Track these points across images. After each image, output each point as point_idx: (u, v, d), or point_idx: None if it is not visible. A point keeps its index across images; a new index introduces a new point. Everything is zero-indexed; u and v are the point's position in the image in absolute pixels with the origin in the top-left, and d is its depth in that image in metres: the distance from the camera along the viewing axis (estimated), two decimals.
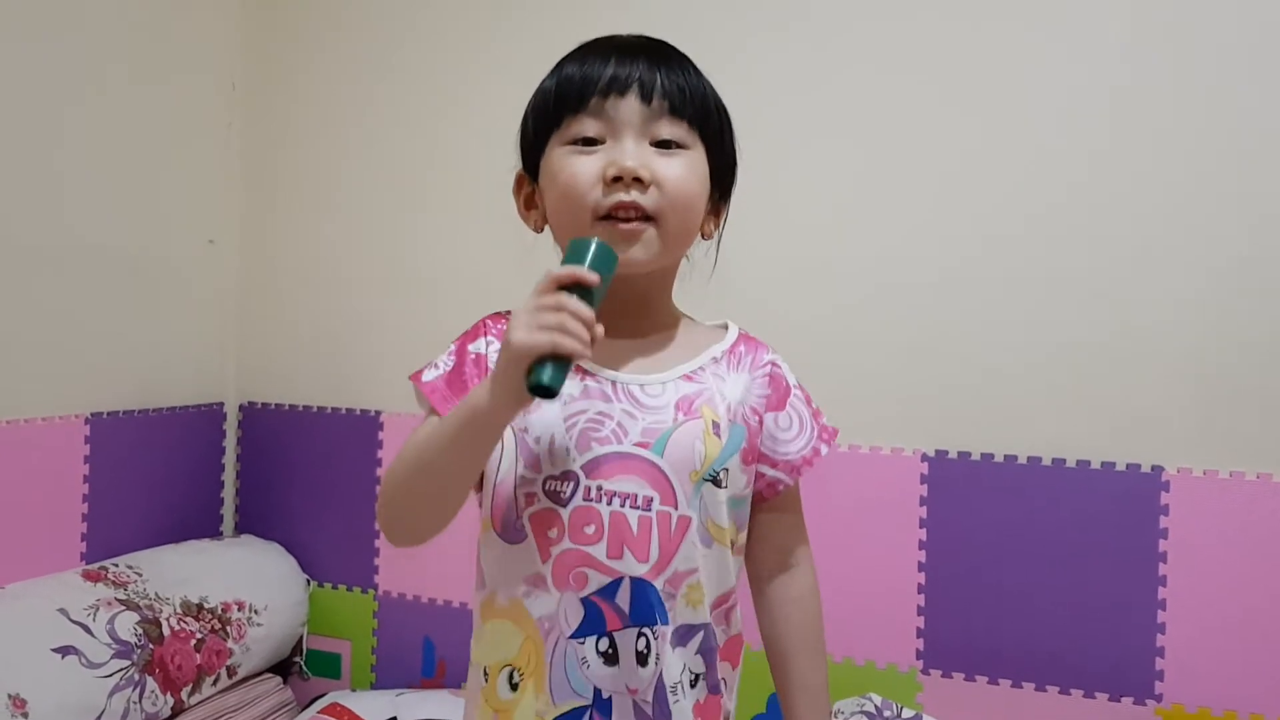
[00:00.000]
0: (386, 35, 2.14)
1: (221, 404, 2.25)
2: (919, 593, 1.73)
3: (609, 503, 0.97)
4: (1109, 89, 1.65)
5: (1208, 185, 1.60)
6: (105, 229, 1.95)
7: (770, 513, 1.10)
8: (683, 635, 1.00)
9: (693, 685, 1.01)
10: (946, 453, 1.73)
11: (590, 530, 0.97)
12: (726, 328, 1.11)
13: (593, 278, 0.88)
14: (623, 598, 0.97)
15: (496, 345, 1.01)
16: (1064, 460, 1.66)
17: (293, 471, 2.20)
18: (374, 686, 2.12)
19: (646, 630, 0.97)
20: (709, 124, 1.03)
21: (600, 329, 0.87)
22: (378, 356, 2.13)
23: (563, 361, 0.86)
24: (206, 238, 2.19)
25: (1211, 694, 1.57)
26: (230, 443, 2.26)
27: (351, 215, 2.17)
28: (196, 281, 2.17)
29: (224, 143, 2.23)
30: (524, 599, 0.99)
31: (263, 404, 2.25)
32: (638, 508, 0.97)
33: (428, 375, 1.02)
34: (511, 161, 1.10)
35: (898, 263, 1.76)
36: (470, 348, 1.03)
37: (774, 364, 1.09)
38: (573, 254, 0.91)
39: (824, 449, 1.10)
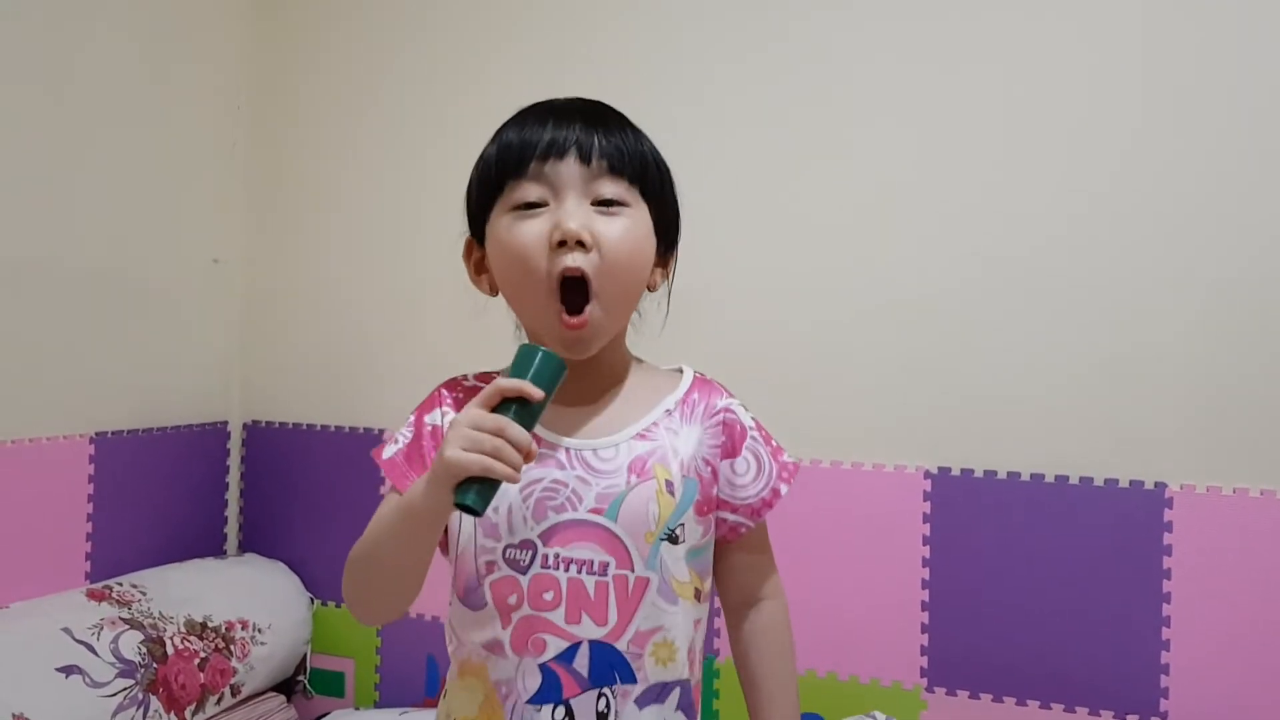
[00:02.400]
0: (392, 57, 2.15)
1: (225, 423, 2.25)
2: (923, 610, 1.73)
3: (566, 569, 0.99)
4: (1113, 110, 1.65)
5: (1211, 203, 1.60)
6: (110, 249, 1.96)
7: (737, 553, 1.12)
8: (657, 693, 1.01)
9: None
10: (949, 470, 1.73)
11: (549, 597, 0.99)
12: (681, 372, 1.12)
13: (537, 394, 0.89)
14: (581, 662, 0.99)
15: (452, 415, 1.03)
16: (1067, 477, 1.66)
17: (296, 490, 2.21)
18: (377, 705, 2.11)
19: (606, 690, 0.99)
20: (649, 180, 1.05)
21: (536, 450, 0.89)
22: (381, 376, 2.14)
23: (491, 484, 0.88)
24: (211, 257, 2.20)
25: (1216, 711, 1.57)
26: (234, 461, 2.27)
27: (355, 235, 2.18)
28: (201, 301, 2.18)
29: (229, 163, 2.24)
30: (483, 663, 1.02)
31: (266, 423, 2.25)
32: (594, 573, 0.99)
33: (387, 452, 1.05)
34: None
35: (900, 280, 1.76)
36: (426, 419, 1.06)
37: (727, 410, 1.09)
38: (520, 364, 0.92)
39: (783, 488, 1.10)
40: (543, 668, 0.99)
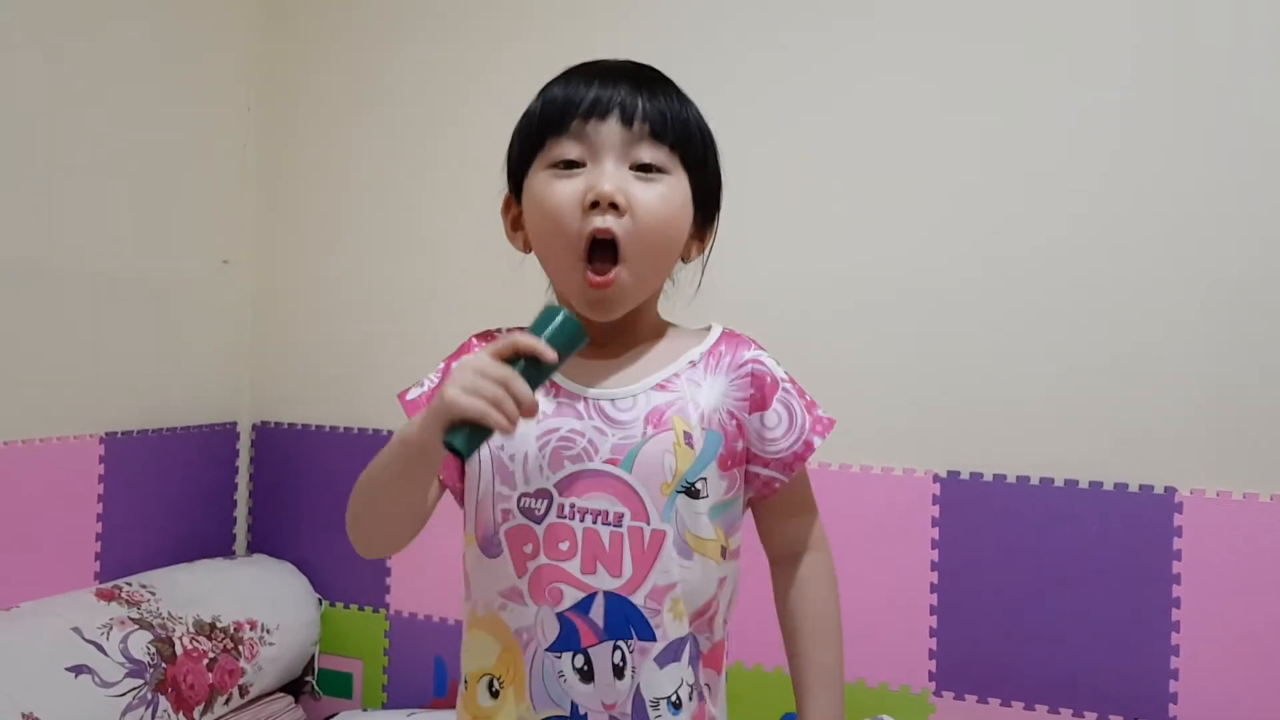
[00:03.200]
0: (401, 59, 2.16)
1: (235, 424, 2.26)
2: (931, 614, 1.73)
3: (581, 519, 0.99)
4: (1116, 108, 1.65)
5: (1220, 204, 1.60)
6: (120, 250, 1.96)
7: (776, 509, 1.10)
8: (675, 650, 1.01)
9: (689, 698, 1.02)
10: (958, 473, 1.73)
11: (564, 547, 0.99)
12: (710, 329, 1.11)
13: (550, 355, 0.89)
14: (597, 612, 0.99)
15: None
16: (1076, 481, 1.66)
17: (305, 491, 2.21)
18: (385, 706, 2.11)
19: (621, 644, 0.99)
20: (691, 148, 1.04)
21: (536, 409, 0.88)
22: (391, 377, 2.12)
23: (482, 431, 0.87)
24: (221, 258, 2.21)
25: (1225, 716, 1.56)
26: (243, 462, 2.27)
27: (365, 236, 2.19)
28: (210, 302, 2.19)
29: (239, 164, 2.24)
30: (499, 612, 1.01)
31: (276, 424, 2.25)
32: (609, 524, 0.99)
33: (412, 393, 1.07)
34: None
35: (909, 284, 1.76)
36: (455, 366, 1.03)
37: (755, 361, 1.07)
38: (540, 322, 0.91)
39: (817, 440, 1.07)
40: (560, 617, 0.98)
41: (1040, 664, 1.66)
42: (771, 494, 1.08)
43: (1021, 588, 1.68)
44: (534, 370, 0.88)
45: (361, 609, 2.15)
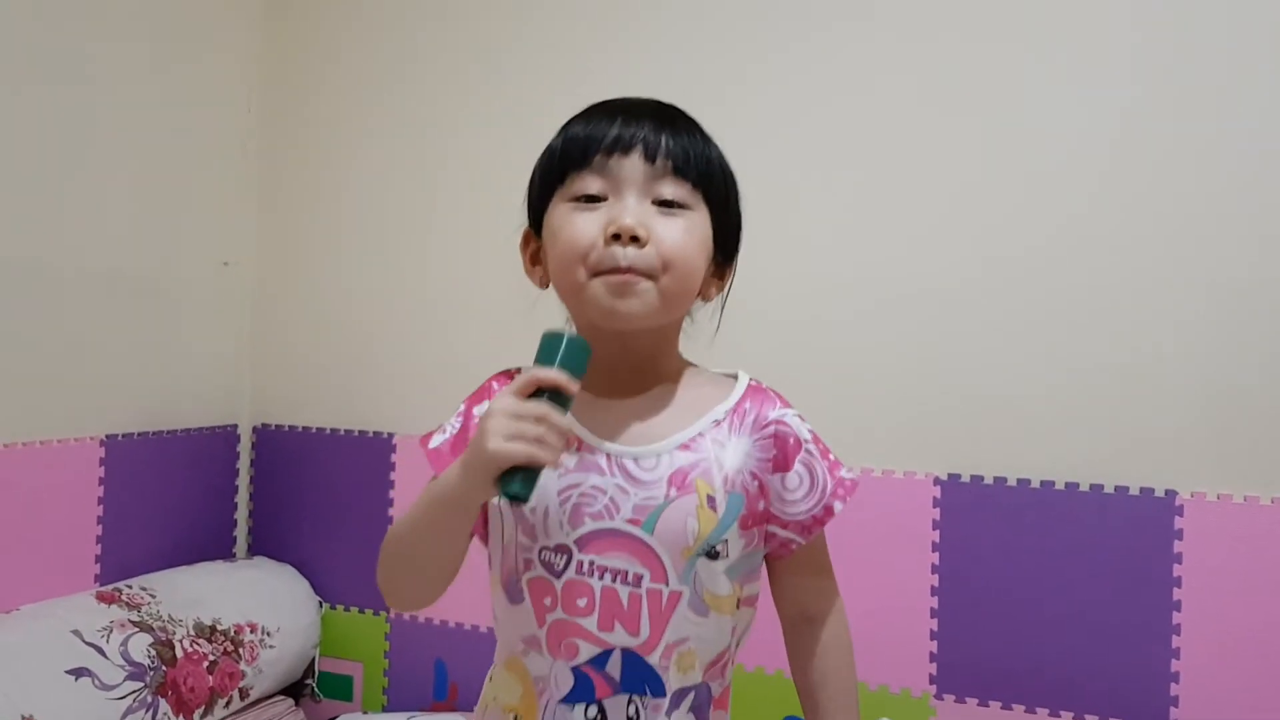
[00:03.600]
0: (402, 59, 2.16)
1: (235, 426, 2.26)
2: (932, 617, 1.73)
3: (600, 577, 0.98)
4: (1116, 110, 1.65)
5: (1223, 207, 1.60)
6: (120, 251, 1.97)
7: (792, 572, 1.09)
8: (677, 699, 1.01)
9: None
10: (959, 476, 1.72)
11: (583, 603, 0.98)
12: (736, 378, 1.09)
13: (573, 387, 0.89)
14: (613, 667, 0.98)
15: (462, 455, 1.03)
16: (1077, 484, 1.66)
17: (306, 494, 2.21)
18: (386, 709, 2.11)
19: (636, 698, 0.99)
20: (713, 186, 1.03)
21: (575, 440, 0.90)
22: (391, 379, 2.14)
23: (534, 472, 0.88)
24: (221, 260, 2.21)
25: (1226, 718, 1.56)
26: (244, 465, 2.27)
27: (366, 238, 2.19)
28: (211, 304, 2.19)
29: (239, 165, 2.25)
30: (522, 657, 1.02)
31: (276, 426, 2.25)
32: (628, 584, 0.98)
33: (434, 441, 1.04)
34: (525, 184, 1.10)
35: (909, 287, 1.76)
36: (475, 411, 1.04)
37: (779, 421, 1.05)
38: (545, 352, 0.91)
39: (838, 505, 1.05)
40: (575, 670, 0.98)
41: (1041, 667, 1.66)
42: (788, 554, 1.07)
43: (1022, 590, 1.68)
44: (558, 401, 0.89)
45: (362, 612, 2.15)
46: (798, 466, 1.04)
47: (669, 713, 1.00)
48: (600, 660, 0.98)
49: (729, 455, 1.02)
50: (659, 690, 0.99)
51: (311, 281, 2.24)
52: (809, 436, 1.05)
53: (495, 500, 1.01)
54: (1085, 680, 1.64)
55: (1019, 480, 1.69)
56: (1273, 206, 1.57)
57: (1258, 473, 1.57)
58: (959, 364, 1.73)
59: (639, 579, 0.98)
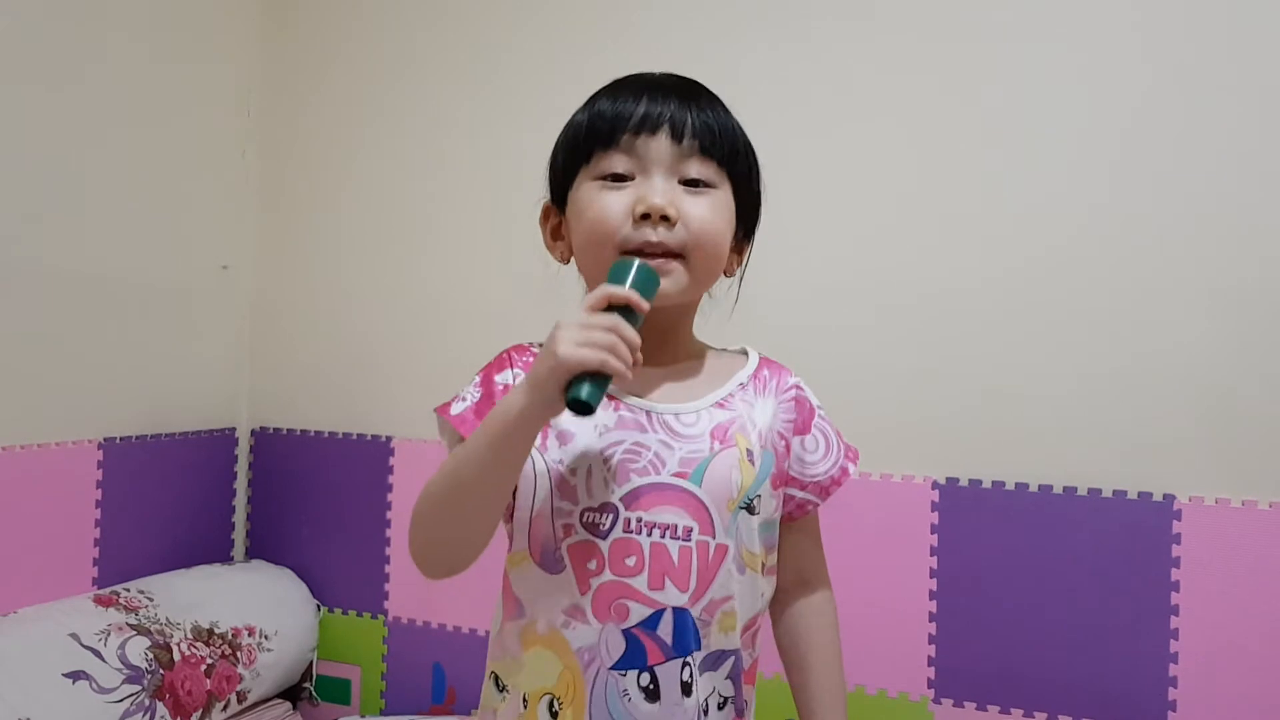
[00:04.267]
0: (401, 62, 2.16)
1: (233, 429, 2.25)
2: (930, 621, 1.73)
3: (649, 534, 0.98)
4: (1121, 116, 1.65)
5: (1220, 213, 1.60)
6: (119, 255, 1.96)
7: (798, 534, 1.12)
8: (714, 660, 1.01)
9: (720, 708, 1.02)
10: (957, 480, 1.73)
11: (631, 562, 0.97)
12: (746, 353, 1.12)
13: (644, 305, 0.90)
14: (665, 629, 0.97)
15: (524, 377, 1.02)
16: (1075, 488, 1.66)
17: (304, 497, 2.21)
18: (384, 712, 2.11)
19: (689, 659, 0.98)
20: (737, 164, 1.04)
21: (640, 357, 0.89)
22: (390, 382, 2.14)
23: (603, 380, 0.87)
24: (220, 264, 2.21)
25: None
26: (242, 468, 2.27)
27: (365, 242, 2.19)
28: (209, 307, 2.19)
29: (238, 169, 2.25)
30: (562, 629, 0.99)
31: (274, 429, 2.25)
32: (678, 538, 0.98)
33: (456, 408, 1.02)
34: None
35: (909, 290, 1.76)
36: (497, 378, 1.03)
37: (798, 387, 1.10)
38: (616, 274, 0.92)
39: (851, 468, 1.11)
40: (626, 634, 0.97)
41: (1039, 671, 1.66)
42: (802, 515, 1.11)
43: (1020, 595, 1.68)
44: (628, 319, 0.89)
45: (360, 615, 2.14)
46: (815, 430, 1.10)
47: (702, 671, 0.99)
48: (652, 621, 0.97)
49: (759, 414, 1.06)
50: (698, 644, 0.99)
51: (310, 285, 2.24)
52: (818, 403, 1.12)
53: (538, 451, 0.99)
54: (1083, 684, 1.64)
55: (1017, 484, 1.69)
56: (1271, 215, 1.57)
57: (1255, 477, 1.57)
58: (958, 368, 1.73)
59: (689, 532, 0.98)
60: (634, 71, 1.07)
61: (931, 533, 1.73)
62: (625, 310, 0.90)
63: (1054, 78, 1.70)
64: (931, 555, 1.73)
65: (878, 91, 1.79)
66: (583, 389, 0.86)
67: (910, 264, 1.76)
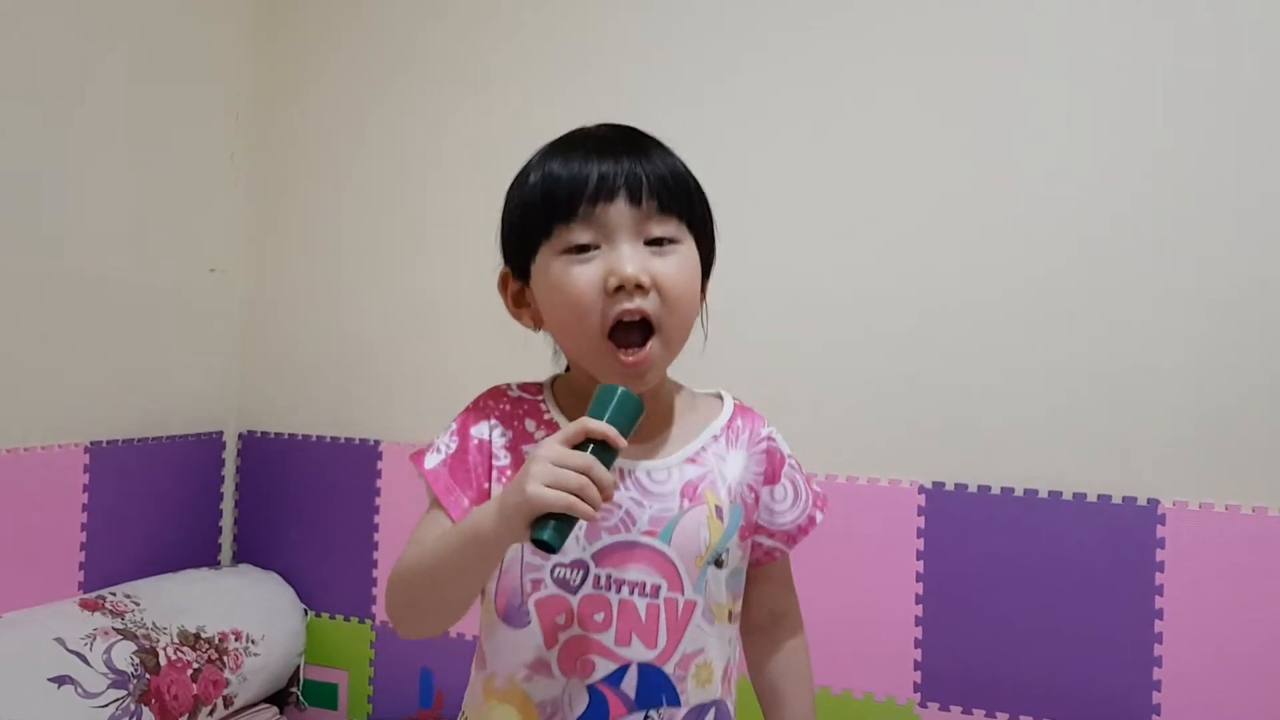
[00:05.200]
0: (390, 68, 2.16)
1: (221, 433, 2.25)
2: (916, 624, 1.73)
3: (618, 591, 0.98)
4: (1105, 123, 1.66)
5: (1206, 220, 1.61)
6: (106, 258, 1.96)
7: (767, 579, 1.13)
8: (697, 715, 1.01)
9: None
10: (944, 484, 1.73)
11: (599, 618, 0.98)
12: (720, 398, 1.12)
13: (621, 442, 0.89)
14: (629, 684, 0.98)
15: (500, 430, 1.03)
16: (1060, 493, 1.67)
17: (292, 501, 2.21)
18: (371, 717, 2.11)
19: (653, 713, 0.99)
20: (694, 213, 1.03)
21: (614, 493, 0.89)
22: (378, 386, 2.14)
23: (569, 521, 0.87)
24: (208, 267, 2.20)
25: None
26: (229, 472, 2.27)
27: (353, 245, 2.19)
28: (197, 310, 2.18)
29: (227, 172, 2.24)
30: (523, 684, 1.00)
31: (262, 433, 2.25)
32: (646, 595, 0.99)
33: (430, 461, 1.02)
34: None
35: (895, 296, 1.77)
36: (473, 432, 1.03)
37: (770, 438, 1.10)
38: (599, 403, 0.91)
39: (819, 516, 1.12)
40: (590, 689, 0.98)
41: (1024, 674, 1.67)
42: (770, 562, 1.12)
43: (1006, 598, 1.68)
44: (604, 453, 0.89)
45: (347, 620, 2.14)
46: (784, 480, 1.11)
47: None
48: (616, 677, 0.98)
49: (729, 468, 1.06)
50: (674, 700, 0.99)
51: (298, 289, 2.24)
52: (789, 453, 1.12)
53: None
54: (1068, 688, 1.64)
55: (1003, 489, 1.70)
56: (1262, 221, 1.58)
57: (1239, 482, 1.58)
58: (943, 373, 1.74)
59: (656, 589, 0.99)
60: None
61: (918, 537, 1.74)
62: (602, 445, 0.89)
63: (1041, 84, 1.70)
64: (918, 559, 1.74)
65: (869, 101, 1.80)
66: (545, 531, 0.86)
67: (898, 270, 1.77)
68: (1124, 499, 1.63)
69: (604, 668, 0.98)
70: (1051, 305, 1.68)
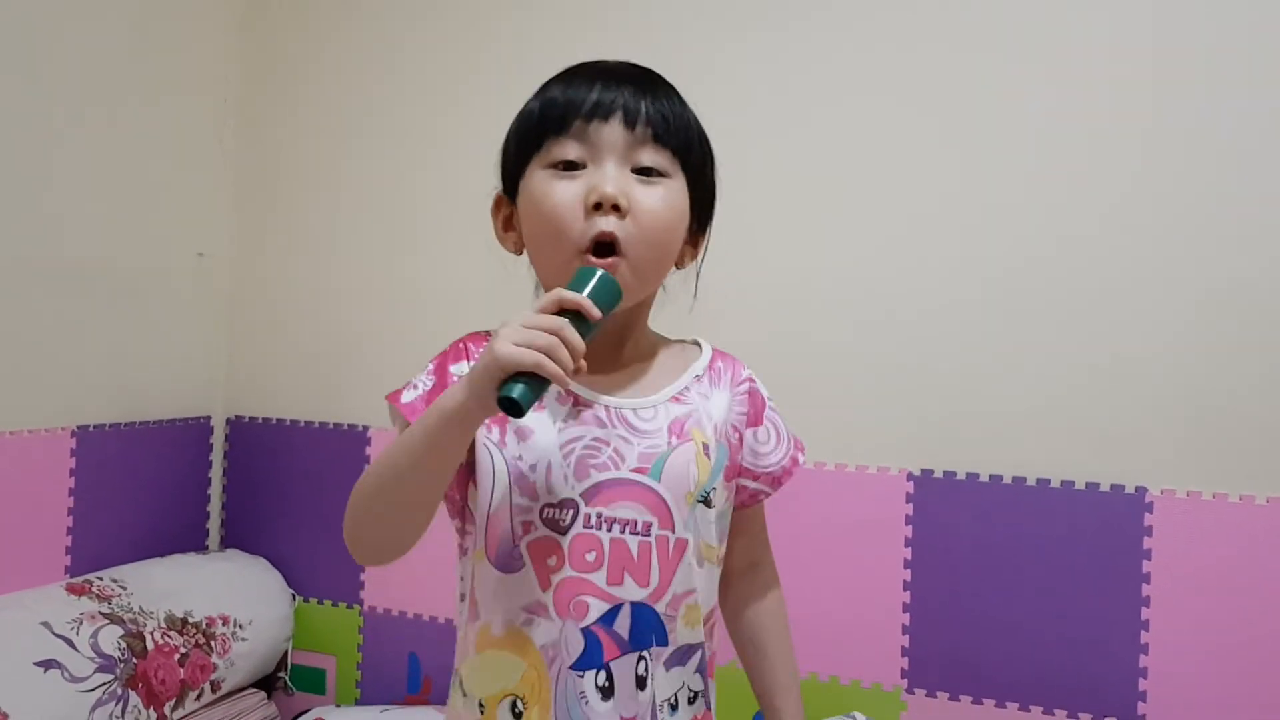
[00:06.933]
0: (379, 52, 2.15)
1: (209, 418, 2.24)
2: (904, 612, 1.74)
3: (609, 529, 0.98)
4: (1092, 113, 1.66)
5: (1193, 209, 1.61)
6: (94, 242, 1.95)
7: (747, 522, 1.14)
8: (682, 655, 1.01)
9: (691, 702, 1.03)
10: (932, 472, 1.74)
11: (591, 558, 0.97)
12: (699, 345, 1.12)
13: (595, 312, 0.88)
14: (622, 624, 0.98)
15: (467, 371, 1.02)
16: (1048, 480, 1.67)
17: (279, 486, 2.20)
18: (359, 702, 2.11)
19: (645, 654, 0.99)
20: (691, 154, 1.03)
21: (584, 364, 0.87)
22: (366, 371, 2.13)
23: (539, 383, 0.84)
24: (196, 251, 2.19)
25: (1194, 714, 1.58)
26: (217, 456, 2.26)
27: (341, 230, 2.18)
28: (185, 295, 2.17)
29: (215, 157, 2.23)
30: (524, 627, 0.98)
31: (250, 418, 2.24)
32: (637, 533, 0.98)
33: (406, 396, 1.00)
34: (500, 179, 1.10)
35: (884, 284, 1.77)
36: (452, 368, 1.02)
37: (751, 379, 1.12)
38: (578, 281, 0.90)
39: (800, 457, 1.14)
40: (585, 632, 0.97)
41: (1011, 662, 1.67)
42: (754, 504, 1.12)
43: (993, 586, 1.69)
44: (578, 324, 0.87)
45: (335, 605, 2.14)
46: (766, 422, 1.11)
47: (670, 666, 1.00)
48: (609, 617, 0.97)
49: (714, 407, 1.07)
50: (663, 639, 1.00)
51: (286, 273, 2.23)
52: (768, 395, 1.13)
53: (483, 440, 0.98)
54: (1055, 675, 1.65)
55: (991, 476, 1.70)
56: (1248, 210, 1.59)
57: (1226, 470, 1.59)
58: (932, 361, 1.74)
59: (648, 527, 0.99)
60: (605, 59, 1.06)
61: (906, 524, 1.74)
62: (577, 316, 0.87)
63: (1030, 76, 1.70)
64: (906, 546, 1.74)
65: (863, 91, 1.80)
66: (514, 389, 0.83)
67: (887, 258, 1.77)
68: (1111, 487, 1.64)
69: (597, 609, 0.97)
70: (1040, 294, 1.68)
